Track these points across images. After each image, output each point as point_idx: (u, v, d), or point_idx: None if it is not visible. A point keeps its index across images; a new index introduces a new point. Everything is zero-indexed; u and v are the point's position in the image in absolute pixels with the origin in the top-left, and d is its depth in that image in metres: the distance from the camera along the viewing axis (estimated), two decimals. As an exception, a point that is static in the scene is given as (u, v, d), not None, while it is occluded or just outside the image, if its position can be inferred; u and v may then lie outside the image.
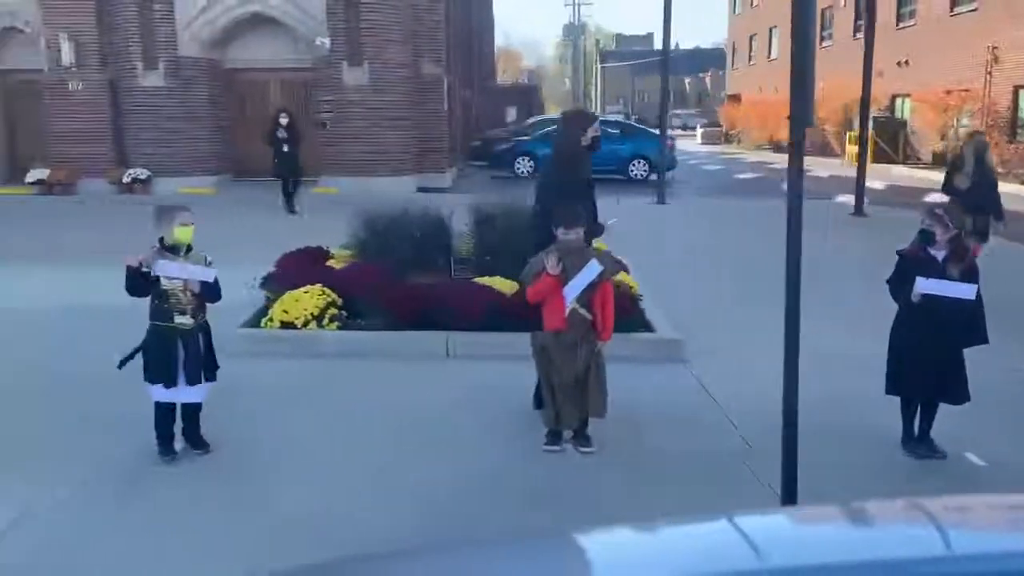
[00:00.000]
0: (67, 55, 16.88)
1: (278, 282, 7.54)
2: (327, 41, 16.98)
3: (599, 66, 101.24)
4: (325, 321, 6.75)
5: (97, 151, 17.41)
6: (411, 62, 17.72)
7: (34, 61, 18.13)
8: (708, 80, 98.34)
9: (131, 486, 4.37)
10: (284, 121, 14.14)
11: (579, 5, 77.34)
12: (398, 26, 17.31)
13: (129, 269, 4.43)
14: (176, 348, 4.57)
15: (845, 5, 35.16)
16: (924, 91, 26.69)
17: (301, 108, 18.74)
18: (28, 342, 7.02)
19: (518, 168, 21.84)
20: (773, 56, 45.01)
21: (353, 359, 6.42)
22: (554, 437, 4.78)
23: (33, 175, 17.10)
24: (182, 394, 4.63)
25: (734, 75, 53.51)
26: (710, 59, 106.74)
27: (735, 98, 49.82)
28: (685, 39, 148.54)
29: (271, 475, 4.55)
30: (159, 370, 4.57)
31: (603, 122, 24.41)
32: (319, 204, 14.84)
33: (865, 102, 15.74)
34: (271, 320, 6.77)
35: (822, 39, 38.48)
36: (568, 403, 4.67)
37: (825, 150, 34.42)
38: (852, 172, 26.18)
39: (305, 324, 6.71)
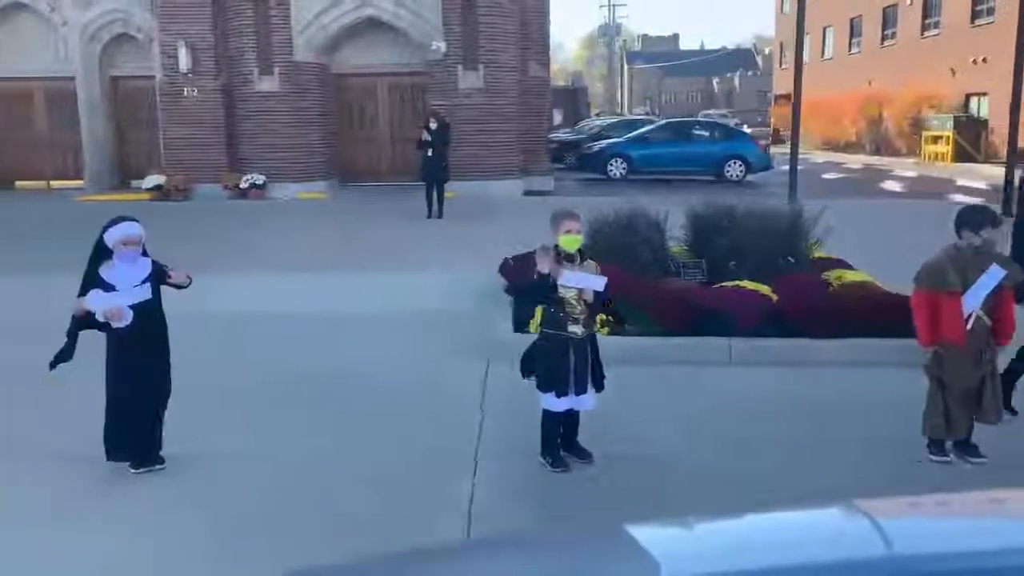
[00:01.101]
0: (184, 61, 16.95)
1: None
2: (443, 45, 16.97)
3: (626, 67, 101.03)
4: (596, 326, 6.69)
5: (211, 157, 17.45)
6: (520, 65, 17.69)
7: (145, 67, 18.26)
8: (737, 80, 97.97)
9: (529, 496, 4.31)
10: (432, 126, 14.12)
11: (614, 6, 77.41)
12: (511, 29, 17.28)
13: (540, 276, 4.39)
14: (568, 357, 4.52)
15: (912, 3, 34.88)
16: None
17: (409, 112, 18.84)
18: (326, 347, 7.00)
19: (610, 171, 21.73)
20: (827, 56, 44.77)
21: (636, 365, 6.35)
22: (938, 447, 4.68)
23: (149, 181, 17.16)
24: (573, 402, 4.58)
25: (783, 75, 53.12)
26: (738, 60, 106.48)
27: (785, 98, 49.51)
28: (711, 39, 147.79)
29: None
30: (553, 379, 4.52)
31: (695, 123, 24.39)
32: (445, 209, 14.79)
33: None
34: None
35: (884, 38, 38.24)
36: (961, 412, 4.57)
37: (887, 149, 34.14)
38: (935, 172, 26.17)
39: (579, 330, 6.65)
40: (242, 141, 17.62)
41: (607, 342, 6.64)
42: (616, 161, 21.81)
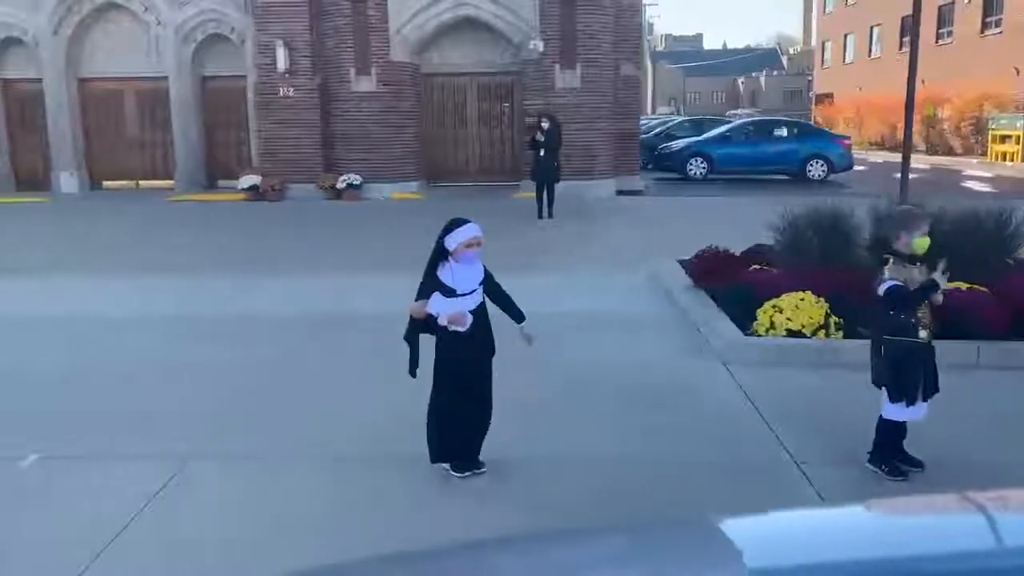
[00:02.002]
0: (282, 61, 16.93)
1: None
2: (540, 43, 16.88)
3: (650, 66, 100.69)
4: (831, 329, 6.58)
5: (305, 157, 17.45)
6: (614, 64, 17.57)
7: (235, 68, 18.28)
8: (763, 79, 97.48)
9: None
10: (545, 126, 14.02)
11: (646, 7, 77.12)
12: (608, 28, 17.18)
13: (909, 291, 4.24)
14: (920, 364, 4.39)
15: (970, 2, 34.51)
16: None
17: (497, 112, 18.77)
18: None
19: (690, 170, 21.57)
20: (875, 55, 44.38)
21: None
22: None
23: (245, 182, 17.15)
24: (919, 412, 4.45)
25: (824, 74, 52.83)
26: (763, 59, 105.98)
27: (827, 97, 49.25)
28: (733, 39, 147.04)
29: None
30: (906, 388, 4.37)
31: (777, 121, 24.17)
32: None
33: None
34: (772, 328, 6.60)
35: (939, 37, 37.86)
36: None
37: (943, 149, 33.78)
38: (1007, 171, 25.86)
39: (814, 333, 6.54)
40: (336, 141, 17.59)
41: (845, 346, 6.56)
42: (696, 160, 21.65)
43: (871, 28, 44.27)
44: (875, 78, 41.64)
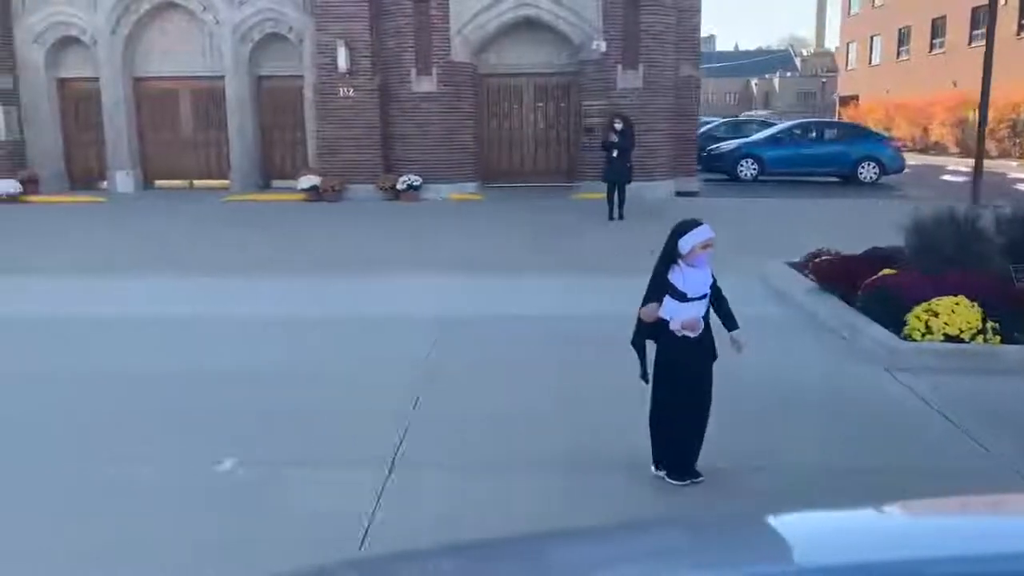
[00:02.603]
0: (343, 61, 16.86)
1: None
2: (603, 44, 16.78)
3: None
4: (989, 334, 6.47)
5: (364, 157, 17.38)
6: (675, 64, 17.47)
7: (291, 67, 18.22)
8: (776, 81, 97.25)
9: None
10: (618, 126, 13.94)
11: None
12: (670, 29, 17.09)
13: None
14: None
15: (1006, 3, 34.31)
16: None
17: (553, 113, 18.69)
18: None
19: (740, 172, 21.45)
20: (904, 56, 44.18)
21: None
22: None
23: (305, 182, 17.08)
24: None
25: (849, 76, 52.64)
26: (777, 61, 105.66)
27: (852, 99, 49.06)
28: (745, 41, 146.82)
29: None
30: None
31: (828, 123, 24.02)
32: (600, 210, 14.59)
33: None
34: (929, 332, 6.49)
35: (971, 39, 37.67)
36: None
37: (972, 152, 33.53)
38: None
39: (972, 338, 6.43)
40: (395, 142, 17.52)
41: (1006, 351, 6.45)
42: (747, 162, 21.52)
43: (899, 30, 44.08)
44: (904, 80, 41.49)
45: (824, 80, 79.95)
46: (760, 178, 21.32)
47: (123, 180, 18.39)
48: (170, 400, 5.66)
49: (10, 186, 17.19)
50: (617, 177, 14.16)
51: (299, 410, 5.45)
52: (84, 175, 19.09)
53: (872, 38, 48.05)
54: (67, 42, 18.25)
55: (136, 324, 7.66)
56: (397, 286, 9.20)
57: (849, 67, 52.62)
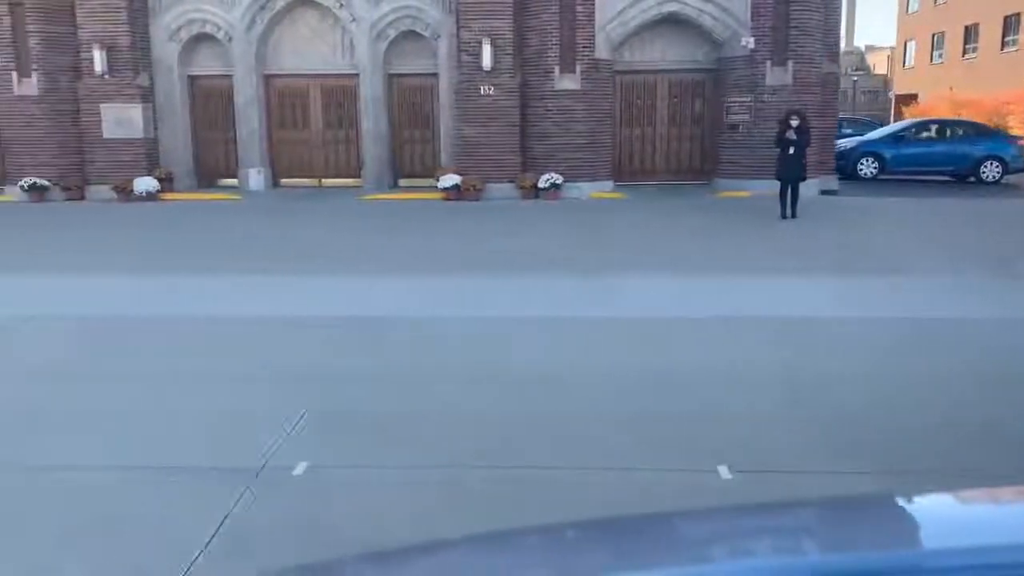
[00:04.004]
0: (487, 59, 16.71)
1: None
2: (751, 40, 16.57)
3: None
4: None
5: (504, 156, 17.22)
6: (820, 61, 17.23)
7: (427, 65, 18.10)
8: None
9: None
10: (795, 123, 13.73)
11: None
12: (819, 25, 16.86)
13: None
14: None
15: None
16: None
17: (688, 110, 18.49)
18: None
19: (861, 170, 21.16)
20: (969, 56, 43.72)
21: None
22: None
23: (446, 180, 16.93)
24: None
25: (906, 74, 52.17)
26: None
27: (911, 98, 48.59)
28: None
29: None
30: None
31: (951, 121, 23.70)
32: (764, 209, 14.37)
33: None
34: None
35: (1004, 45, 37.41)
36: None
37: None
38: None
39: None
40: (533, 140, 17.35)
41: None
42: (867, 160, 21.24)
43: (965, 27, 43.63)
44: (970, 78, 41.04)
45: (855, 79, 79.44)
46: (880, 177, 21.06)
47: (255, 178, 18.32)
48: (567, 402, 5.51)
49: (149, 184, 17.13)
50: (793, 175, 13.94)
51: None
52: (212, 173, 19.03)
53: (934, 36, 47.60)
54: (199, 39, 18.18)
55: (485, 324, 7.51)
56: (653, 285, 9.04)
57: (907, 65, 52.14)
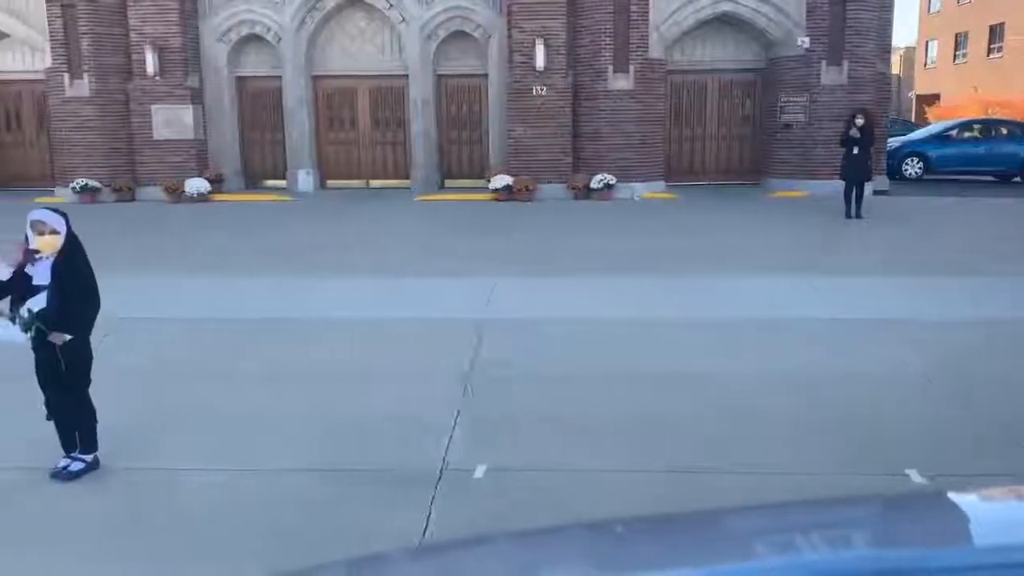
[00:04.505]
0: (540, 59, 16.65)
1: None
2: (807, 40, 16.49)
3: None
4: None
5: (555, 156, 17.15)
6: (873, 60, 17.14)
7: (476, 65, 18.07)
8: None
9: None
10: (859, 122, 13.64)
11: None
12: (874, 24, 16.77)
13: None
14: None
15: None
16: None
17: (738, 110, 18.42)
18: None
19: (905, 170, 21.05)
20: (994, 55, 43.54)
21: None
22: None
23: (498, 181, 16.87)
24: None
25: (927, 74, 52.00)
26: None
27: (933, 98, 48.42)
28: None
29: None
30: None
31: (997, 121, 23.52)
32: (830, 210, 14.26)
33: None
34: None
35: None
36: None
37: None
38: None
39: None
40: (584, 140, 17.28)
41: None
42: (912, 160, 21.14)
43: (991, 27, 43.47)
44: (996, 78, 40.89)
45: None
46: (925, 177, 20.96)
47: (303, 179, 18.28)
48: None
49: (201, 185, 17.10)
50: (859, 175, 13.85)
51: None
52: (258, 174, 19.00)
53: (957, 36, 47.43)
54: (247, 40, 18.15)
55: (629, 325, 7.47)
56: (779, 285, 8.96)
57: (929, 64, 51.97)
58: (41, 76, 17.97)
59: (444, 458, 4.73)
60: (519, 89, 17.02)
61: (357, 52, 18.27)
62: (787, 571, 1.60)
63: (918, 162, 21.12)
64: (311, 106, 18.38)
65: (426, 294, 8.72)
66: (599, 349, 6.75)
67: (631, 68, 16.81)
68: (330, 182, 18.99)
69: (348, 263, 10.52)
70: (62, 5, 16.86)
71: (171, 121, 17.46)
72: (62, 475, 4.57)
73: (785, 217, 14.19)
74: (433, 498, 4.28)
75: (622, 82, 16.87)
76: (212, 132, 18.26)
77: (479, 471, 4.58)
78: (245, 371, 6.30)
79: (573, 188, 17.02)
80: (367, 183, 19.02)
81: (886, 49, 17.88)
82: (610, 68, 16.82)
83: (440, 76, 18.30)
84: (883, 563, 1.61)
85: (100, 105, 17.32)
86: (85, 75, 17.16)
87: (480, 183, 18.15)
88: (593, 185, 16.82)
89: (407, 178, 18.55)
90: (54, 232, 4.33)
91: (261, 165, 18.98)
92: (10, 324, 4.24)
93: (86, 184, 17.07)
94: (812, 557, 1.65)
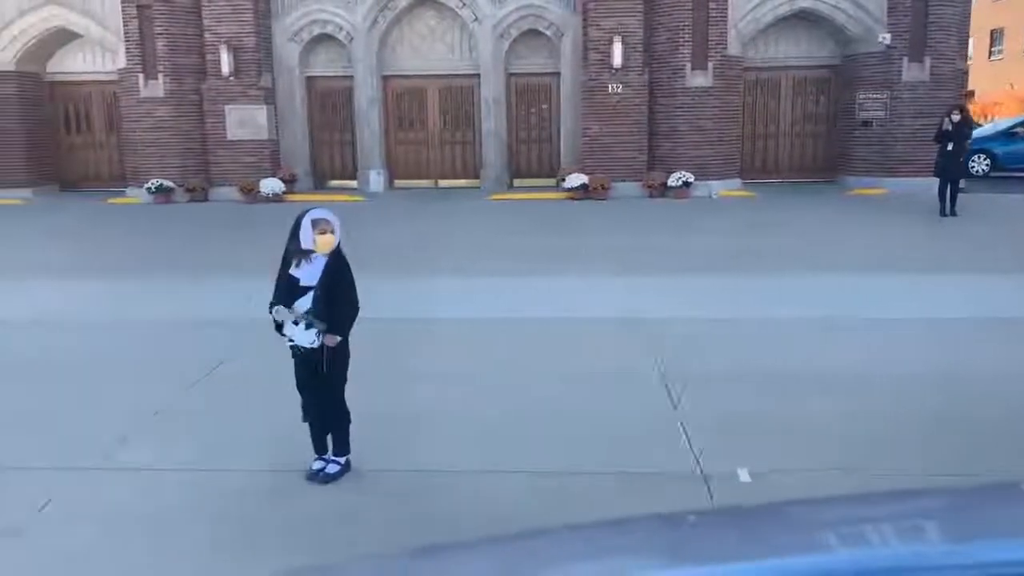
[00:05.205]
0: (618, 57, 16.55)
1: None
2: (888, 36, 16.33)
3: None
4: None
5: (630, 154, 17.05)
6: (953, 56, 16.97)
7: (548, 64, 17.98)
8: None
9: None
10: (955, 118, 13.48)
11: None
12: (956, 20, 16.60)
13: None
14: None
15: None
16: None
17: (812, 107, 18.27)
18: None
19: (972, 167, 20.81)
20: (1034, 50, 43.18)
21: None
22: None
23: (574, 180, 16.77)
24: None
25: (989, 67, 51.61)
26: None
27: (967, 95, 48.09)
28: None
29: None
30: None
31: None
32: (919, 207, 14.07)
33: None
34: None
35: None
36: None
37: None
38: None
39: None
40: (660, 137, 17.16)
41: None
42: (979, 157, 20.91)
43: (1034, 19, 43.10)
44: (1034, 74, 40.56)
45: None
46: (991, 175, 20.76)
47: (375, 179, 18.21)
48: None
49: (275, 186, 17.06)
50: (953, 171, 13.69)
51: None
52: (326, 174, 18.96)
53: (992, 32, 47.07)
54: (318, 40, 18.10)
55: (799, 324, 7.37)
56: (914, 285, 8.85)
57: (993, 58, 51.58)
58: (111, 77, 17.99)
59: (698, 461, 4.64)
60: (594, 87, 16.92)
61: (427, 51, 18.21)
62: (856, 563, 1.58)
63: (985, 159, 20.90)
64: (381, 106, 18.33)
65: (571, 295, 8.67)
66: (745, 348, 6.68)
67: (709, 65, 16.68)
68: (397, 182, 18.92)
69: (478, 263, 10.45)
70: (138, 6, 16.84)
71: (245, 121, 17.43)
72: (319, 478, 4.49)
73: (877, 215, 14.03)
74: (712, 500, 4.20)
75: (700, 79, 16.75)
76: (283, 132, 18.23)
77: (743, 475, 4.48)
78: (462, 371, 6.23)
79: (648, 186, 16.91)
80: (435, 183, 18.93)
81: (964, 44, 17.70)
82: (688, 65, 16.70)
83: (510, 75, 18.21)
84: (959, 557, 1.56)
85: (174, 105, 17.30)
86: (160, 75, 17.14)
87: (548, 182, 18.08)
88: (670, 183, 16.70)
89: (475, 178, 18.48)
90: (332, 232, 4.27)
91: (329, 165, 18.94)
92: (303, 328, 4.17)
93: (161, 184, 17.06)
94: (773, 562, 1.63)
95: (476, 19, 17.62)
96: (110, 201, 17.34)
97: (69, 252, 11.96)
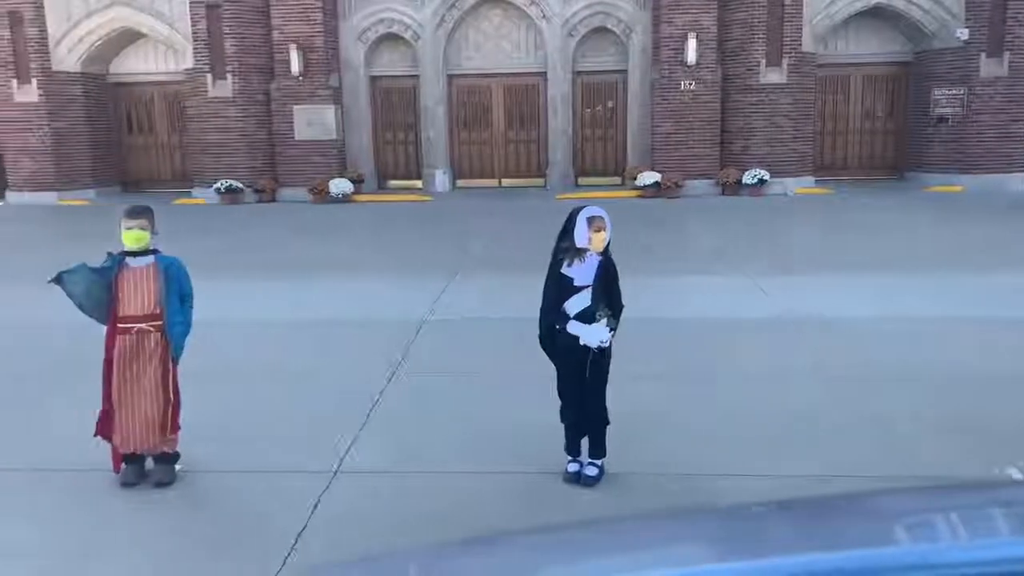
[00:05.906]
0: (691, 55, 16.42)
1: None
2: (965, 31, 16.17)
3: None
4: None
5: (702, 152, 16.92)
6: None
7: (615, 62, 17.88)
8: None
9: None
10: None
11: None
12: (1034, 14, 16.43)
13: None
14: None
15: None
16: None
17: (882, 104, 18.12)
18: None
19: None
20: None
21: None
22: None
23: (647, 178, 16.64)
24: None
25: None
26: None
27: None
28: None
29: None
30: None
31: None
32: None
33: None
34: None
35: None
36: None
37: None
38: None
39: None
40: (733, 134, 17.02)
41: None
42: None
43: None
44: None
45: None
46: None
47: (440, 179, 18.12)
48: None
49: (344, 186, 16.96)
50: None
51: None
52: (389, 173, 18.85)
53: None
54: (382, 39, 18.01)
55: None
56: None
57: None
58: (174, 77, 17.93)
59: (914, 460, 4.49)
60: (666, 84, 16.79)
61: (493, 50, 18.11)
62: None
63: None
64: (446, 104, 18.21)
65: (713, 294, 8.52)
66: (897, 348, 6.50)
67: (784, 62, 16.54)
68: (460, 181, 18.82)
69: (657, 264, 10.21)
70: (207, 5, 16.76)
71: (313, 121, 17.33)
72: (582, 481, 4.36)
73: (968, 213, 13.84)
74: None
75: (774, 76, 16.61)
76: (350, 132, 18.13)
77: (1015, 473, 4.34)
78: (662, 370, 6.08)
79: (722, 184, 16.77)
80: (499, 182, 18.82)
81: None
82: (763, 62, 16.56)
83: (577, 73, 18.08)
84: (828, 564, 1.57)
85: (242, 106, 17.22)
86: (228, 75, 17.06)
87: (612, 180, 17.98)
88: (745, 180, 16.56)
89: (540, 176, 18.38)
90: (606, 229, 4.15)
91: (393, 165, 18.84)
92: (601, 326, 4.05)
93: (230, 185, 16.96)
94: (760, 563, 1.62)
95: (544, 17, 17.51)
96: (176, 202, 17.21)
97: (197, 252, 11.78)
